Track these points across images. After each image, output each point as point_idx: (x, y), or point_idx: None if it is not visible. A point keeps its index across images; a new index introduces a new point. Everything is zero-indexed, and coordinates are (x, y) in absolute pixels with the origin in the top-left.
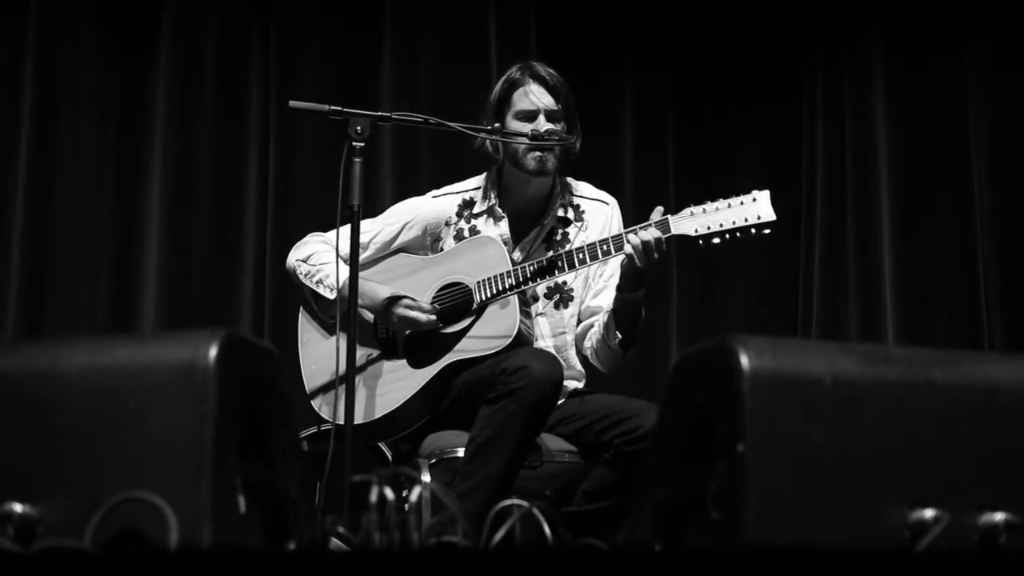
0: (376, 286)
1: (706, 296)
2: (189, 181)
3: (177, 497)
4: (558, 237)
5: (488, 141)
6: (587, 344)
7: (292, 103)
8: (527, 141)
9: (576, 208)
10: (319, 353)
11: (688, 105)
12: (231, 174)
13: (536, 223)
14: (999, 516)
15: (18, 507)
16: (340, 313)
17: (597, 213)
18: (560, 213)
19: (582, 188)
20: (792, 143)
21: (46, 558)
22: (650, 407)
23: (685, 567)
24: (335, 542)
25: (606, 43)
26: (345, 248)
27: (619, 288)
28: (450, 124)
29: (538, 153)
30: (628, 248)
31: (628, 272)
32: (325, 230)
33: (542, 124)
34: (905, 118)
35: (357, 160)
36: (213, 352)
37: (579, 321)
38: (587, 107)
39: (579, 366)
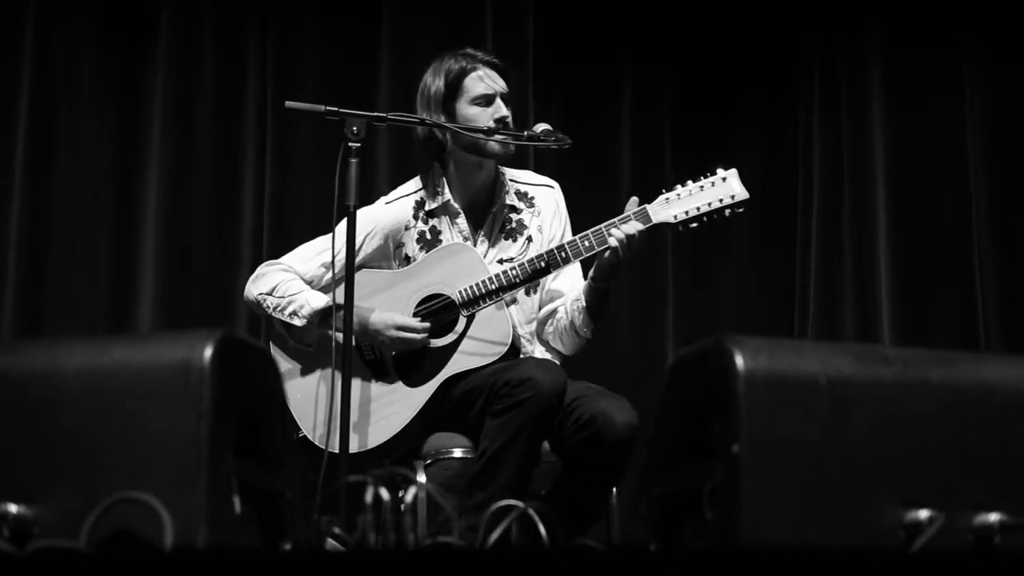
0: (364, 312)
1: (702, 297)
2: (186, 181)
3: (173, 497)
4: (513, 224)
5: (435, 129)
6: (549, 329)
7: (288, 103)
8: (526, 141)
9: (524, 195)
10: (303, 384)
11: (685, 106)
12: (228, 174)
13: (487, 211)
14: (994, 516)
15: (14, 508)
16: (324, 335)
17: (546, 198)
18: (508, 201)
19: (525, 175)
20: (789, 143)
21: (41, 559)
22: (600, 393)
23: (681, 567)
24: (331, 542)
25: (604, 44)
26: (339, 249)
27: (593, 278)
28: (446, 125)
29: (500, 137)
30: (613, 242)
31: (607, 264)
32: (321, 231)
33: (501, 108)
34: (902, 119)
35: (353, 160)
36: (209, 352)
37: (540, 305)
38: (585, 108)
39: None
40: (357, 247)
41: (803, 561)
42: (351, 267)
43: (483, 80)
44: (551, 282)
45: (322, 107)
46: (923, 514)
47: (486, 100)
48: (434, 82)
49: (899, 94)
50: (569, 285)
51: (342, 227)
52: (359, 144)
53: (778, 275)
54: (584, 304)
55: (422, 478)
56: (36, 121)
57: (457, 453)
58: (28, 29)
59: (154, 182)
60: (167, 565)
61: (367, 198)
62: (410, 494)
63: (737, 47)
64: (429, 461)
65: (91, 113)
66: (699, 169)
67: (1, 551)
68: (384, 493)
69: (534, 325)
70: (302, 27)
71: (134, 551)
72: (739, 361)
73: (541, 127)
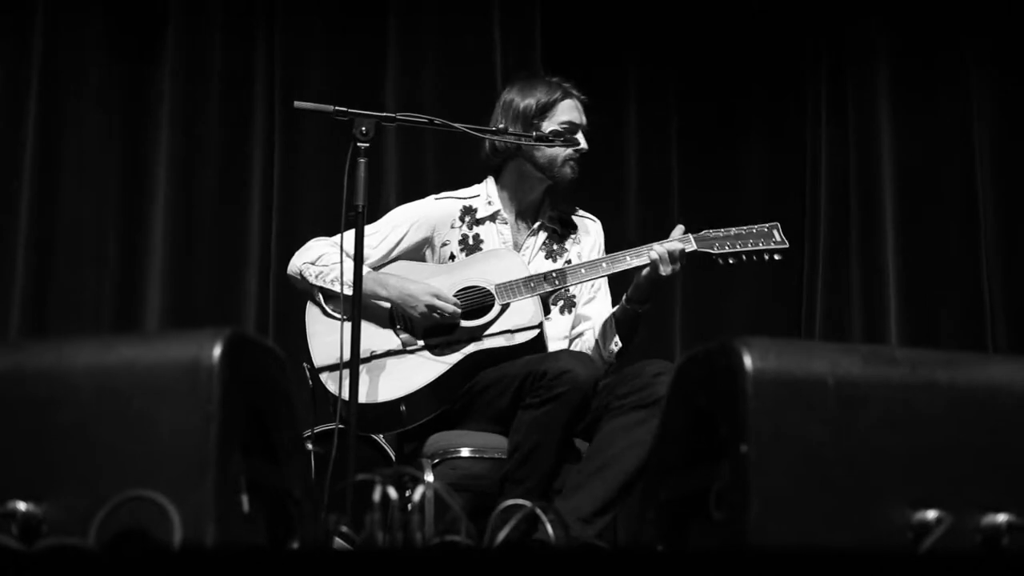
0: (402, 280)
1: (710, 297)
2: (194, 181)
3: (181, 496)
4: (555, 247)
5: (503, 143)
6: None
7: (297, 103)
8: (535, 142)
9: (568, 222)
10: (333, 341)
11: (692, 106)
12: (236, 174)
13: (531, 228)
14: (1002, 517)
15: (22, 505)
16: (355, 304)
17: (588, 229)
18: (550, 223)
19: (570, 208)
20: (796, 144)
21: (50, 556)
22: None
23: (688, 568)
24: (338, 541)
25: (610, 43)
26: (387, 231)
27: (628, 299)
28: (455, 124)
29: (574, 163)
30: (653, 255)
31: (646, 280)
32: (330, 231)
33: (582, 141)
34: (909, 119)
35: (362, 161)
36: (217, 351)
37: (572, 326)
38: (590, 107)
39: None
40: (403, 234)
41: (811, 562)
42: (359, 270)
43: (575, 110)
44: (581, 307)
45: (331, 107)
46: (931, 515)
47: (572, 127)
48: (524, 100)
49: (906, 94)
50: (597, 312)
51: (394, 213)
52: (368, 144)
53: (785, 276)
54: (614, 325)
55: (430, 477)
56: (44, 122)
57: (464, 452)
58: (36, 30)
59: (162, 182)
60: (175, 563)
61: (376, 198)
62: (418, 493)
63: (744, 47)
64: (437, 460)
65: (99, 114)
66: (705, 169)
67: (10, 549)
68: (392, 492)
69: (565, 343)
70: (309, 28)
71: (142, 549)
72: (747, 361)
73: (550, 128)
